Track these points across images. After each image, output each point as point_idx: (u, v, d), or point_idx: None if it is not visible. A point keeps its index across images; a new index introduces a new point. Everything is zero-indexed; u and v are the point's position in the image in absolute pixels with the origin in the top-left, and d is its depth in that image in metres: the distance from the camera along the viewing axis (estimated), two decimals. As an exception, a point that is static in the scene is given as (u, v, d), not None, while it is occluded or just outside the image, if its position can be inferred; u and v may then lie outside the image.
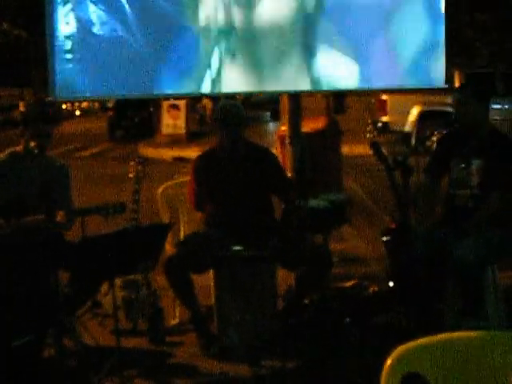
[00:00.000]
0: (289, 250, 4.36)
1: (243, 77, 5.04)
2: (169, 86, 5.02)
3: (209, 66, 4.92)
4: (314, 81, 5.18)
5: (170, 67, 4.89)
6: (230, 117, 4.49)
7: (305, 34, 5.11)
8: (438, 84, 5.57)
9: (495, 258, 4.18)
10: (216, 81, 4.96)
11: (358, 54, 5.19)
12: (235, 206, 4.44)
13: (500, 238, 4.14)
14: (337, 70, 5.18)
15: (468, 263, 3.95)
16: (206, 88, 5.02)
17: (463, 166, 4.25)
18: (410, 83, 5.61)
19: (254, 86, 5.24)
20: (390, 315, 4.32)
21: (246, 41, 5.01)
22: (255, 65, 5.06)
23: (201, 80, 4.95)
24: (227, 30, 4.92)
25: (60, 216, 4.13)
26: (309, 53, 5.11)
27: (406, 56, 5.33)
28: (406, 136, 14.02)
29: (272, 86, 5.22)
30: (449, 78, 5.63)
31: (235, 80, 5.03)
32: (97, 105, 43.94)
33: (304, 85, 5.20)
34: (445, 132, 4.42)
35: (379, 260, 5.70)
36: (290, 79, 5.13)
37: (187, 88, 5.07)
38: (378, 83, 5.46)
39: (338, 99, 18.52)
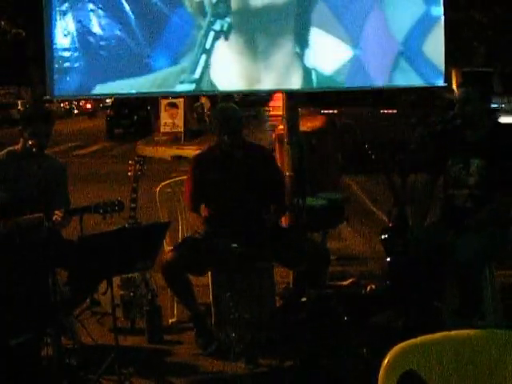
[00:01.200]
0: (287, 249, 4.36)
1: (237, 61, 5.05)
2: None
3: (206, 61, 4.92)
4: (306, 69, 5.14)
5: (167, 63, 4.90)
6: (229, 121, 4.48)
7: (299, 16, 5.09)
8: (438, 83, 5.56)
9: (495, 256, 4.18)
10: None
11: (353, 37, 5.17)
12: (234, 205, 4.44)
13: (500, 236, 4.15)
14: (331, 56, 5.15)
15: (468, 261, 3.95)
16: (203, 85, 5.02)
17: (461, 165, 4.25)
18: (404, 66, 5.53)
19: (248, 72, 5.19)
20: (388, 314, 4.33)
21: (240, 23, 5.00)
22: (249, 47, 5.06)
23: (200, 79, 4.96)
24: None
25: (57, 214, 4.13)
26: (303, 36, 5.10)
27: (400, 37, 5.29)
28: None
29: (265, 71, 5.16)
30: (447, 78, 5.59)
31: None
32: (95, 103, 43.95)
33: (296, 69, 5.15)
34: (439, 129, 4.38)
35: (377, 259, 5.71)
36: (283, 64, 5.10)
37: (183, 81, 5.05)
38: (372, 67, 5.38)
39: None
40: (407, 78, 5.43)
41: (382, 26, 5.24)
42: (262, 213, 4.51)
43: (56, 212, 4.12)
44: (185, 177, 4.88)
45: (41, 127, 4.26)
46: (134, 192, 4.62)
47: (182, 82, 4.95)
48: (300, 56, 5.11)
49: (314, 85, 5.23)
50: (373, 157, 4.48)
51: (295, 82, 5.18)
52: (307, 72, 5.16)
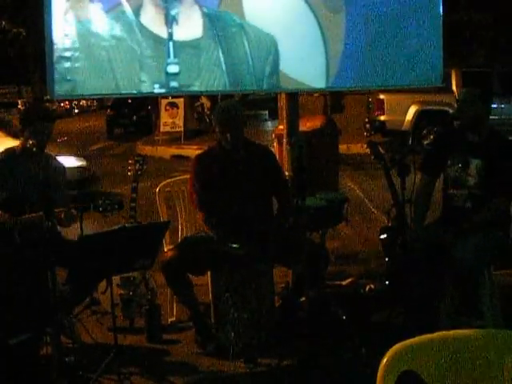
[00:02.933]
0: (286, 248, 4.36)
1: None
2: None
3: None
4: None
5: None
6: (231, 119, 4.47)
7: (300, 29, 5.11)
8: (436, 83, 5.56)
9: (493, 258, 4.19)
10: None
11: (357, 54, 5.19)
12: (235, 205, 4.43)
13: (499, 236, 4.16)
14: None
15: (467, 262, 3.96)
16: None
17: (461, 165, 4.25)
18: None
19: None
20: (387, 313, 4.34)
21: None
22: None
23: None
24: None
25: (62, 213, 4.15)
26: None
27: (403, 57, 5.30)
28: (404, 135, 14.03)
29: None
30: (446, 78, 5.58)
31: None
32: (95, 103, 43.90)
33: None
34: (440, 130, 4.40)
35: (376, 258, 5.71)
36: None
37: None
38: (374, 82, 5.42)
39: (336, 98, 18.50)
40: (404, 78, 5.43)
41: (378, 26, 5.24)
42: (262, 212, 4.51)
43: (63, 210, 4.14)
44: (185, 176, 4.87)
45: (41, 126, 4.27)
46: (133, 191, 4.63)
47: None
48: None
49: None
50: None
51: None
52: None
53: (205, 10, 4.91)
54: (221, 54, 4.91)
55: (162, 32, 4.85)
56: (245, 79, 5.09)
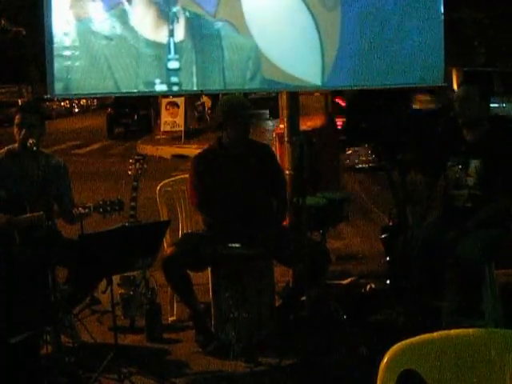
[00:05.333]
0: (287, 248, 4.36)
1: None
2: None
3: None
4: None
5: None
6: (243, 113, 4.45)
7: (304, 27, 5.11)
8: (437, 82, 5.54)
9: (495, 256, 4.18)
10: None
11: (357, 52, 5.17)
12: (236, 204, 4.43)
13: (500, 236, 4.15)
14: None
15: (468, 260, 3.95)
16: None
17: (460, 166, 4.24)
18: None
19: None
20: (387, 313, 4.33)
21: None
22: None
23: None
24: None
25: (78, 209, 4.18)
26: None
27: (403, 56, 5.28)
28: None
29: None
30: (447, 77, 5.56)
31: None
32: (95, 102, 43.87)
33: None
34: (439, 131, 4.38)
35: (377, 258, 5.71)
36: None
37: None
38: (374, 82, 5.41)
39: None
40: (404, 77, 5.41)
41: (376, 24, 5.22)
42: (262, 211, 4.50)
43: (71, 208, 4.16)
44: (185, 176, 4.86)
45: (23, 117, 4.23)
46: (134, 191, 4.62)
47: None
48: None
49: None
50: None
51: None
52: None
53: (187, 14, 4.91)
54: (195, 58, 4.93)
55: (163, 30, 4.85)
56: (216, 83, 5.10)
